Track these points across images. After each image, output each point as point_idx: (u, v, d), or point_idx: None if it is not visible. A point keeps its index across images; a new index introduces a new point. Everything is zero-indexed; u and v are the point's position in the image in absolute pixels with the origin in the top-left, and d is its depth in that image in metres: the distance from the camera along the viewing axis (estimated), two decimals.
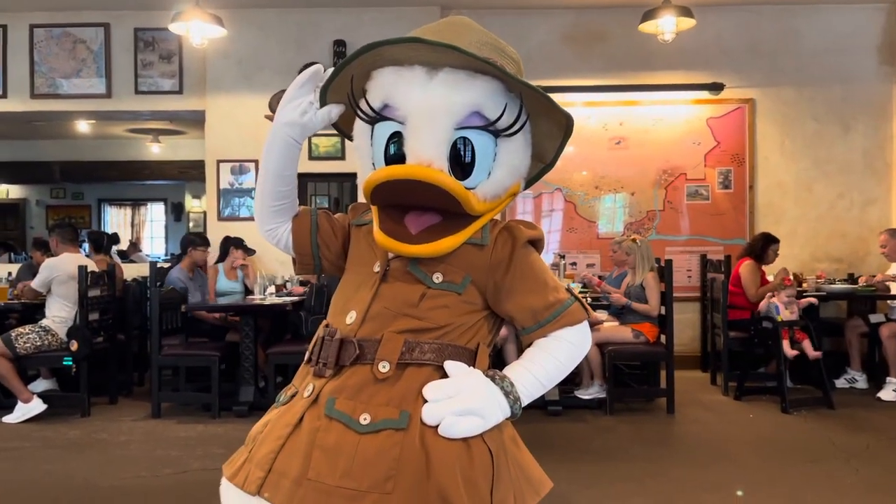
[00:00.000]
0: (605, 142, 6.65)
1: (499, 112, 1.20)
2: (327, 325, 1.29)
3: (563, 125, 1.28)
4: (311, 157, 6.52)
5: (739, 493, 3.46)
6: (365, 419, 1.17)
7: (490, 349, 1.32)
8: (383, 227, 1.21)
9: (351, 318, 1.24)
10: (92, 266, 5.23)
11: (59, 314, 5.02)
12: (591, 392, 5.07)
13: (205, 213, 13.93)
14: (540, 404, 4.95)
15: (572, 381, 5.33)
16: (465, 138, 1.20)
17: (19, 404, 4.88)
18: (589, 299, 5.14)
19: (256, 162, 6.47)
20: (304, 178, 6.60)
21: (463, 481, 1.17)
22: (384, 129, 1.23)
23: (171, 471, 3.83)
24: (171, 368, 5.47)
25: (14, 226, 12.51)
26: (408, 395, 1.18)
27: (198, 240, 5.93)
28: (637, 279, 5.10)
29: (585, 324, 1.31)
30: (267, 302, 5.26)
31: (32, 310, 5.27)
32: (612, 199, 6.69)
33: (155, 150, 11.49)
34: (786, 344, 4.97)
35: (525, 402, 1.26)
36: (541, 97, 1.23)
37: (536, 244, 1.31)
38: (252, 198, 6.60)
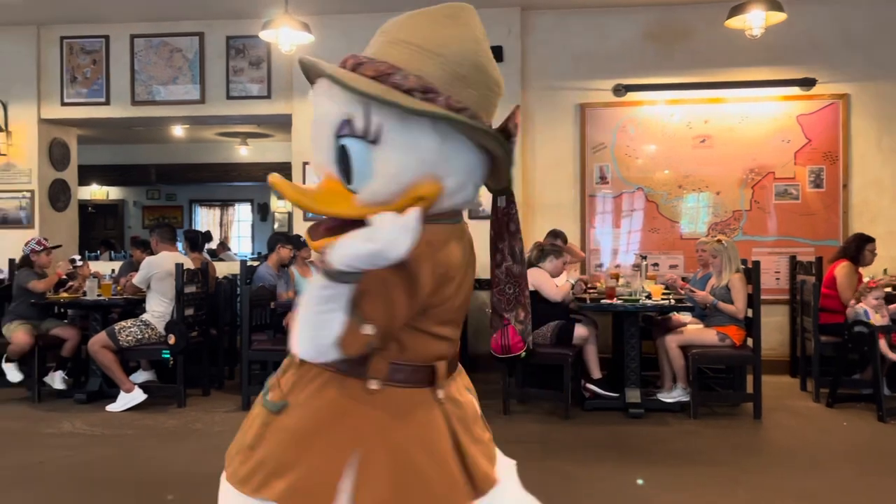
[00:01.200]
0: (689, 140, 6.51)
1: (363, 122, 1.23)
2: None
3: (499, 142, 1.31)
4: None
5: None
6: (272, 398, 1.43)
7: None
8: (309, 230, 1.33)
9: None
10: (188, 264, 5.50)
11: (158, 309, 5.31)
12: (674, 395, 4.99)
13: (290, 213, 14.34)
14: (620, 406, 4.91)
15: (654, 384, 5.26)
16: (343, 146, 1.24)
17: (122, 394, 5.18)
18: (673, 301, 5.06)
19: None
20: None
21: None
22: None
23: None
24: (260, 363, 5.69)
25: (113, 225, 13.23)
26: (305, 381, 1.39)
27: (283, 238, 6.14)
28: (723, 280, 4.98)
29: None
30: None
31: (133, 305, 5.58)
32: (696, 199, 6.54)
33: (243, 153, 11.94)
34: (882, 344, 4.76)
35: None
36: (405, 109, 1.20)
37: None
38: None
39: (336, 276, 1.17)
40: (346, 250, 1.14)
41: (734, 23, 5.25)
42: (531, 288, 5.10)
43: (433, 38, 1.27)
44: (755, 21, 5.18)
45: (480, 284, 6.67)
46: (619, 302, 4.98)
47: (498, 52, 6.49)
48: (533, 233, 6.28)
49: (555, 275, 5.21)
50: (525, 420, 4.87)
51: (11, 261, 6.22)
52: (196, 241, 6.63)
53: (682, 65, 6.48)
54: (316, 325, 1.21)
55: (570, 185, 6.62)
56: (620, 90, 6.51)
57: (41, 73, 7.08)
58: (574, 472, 3.81)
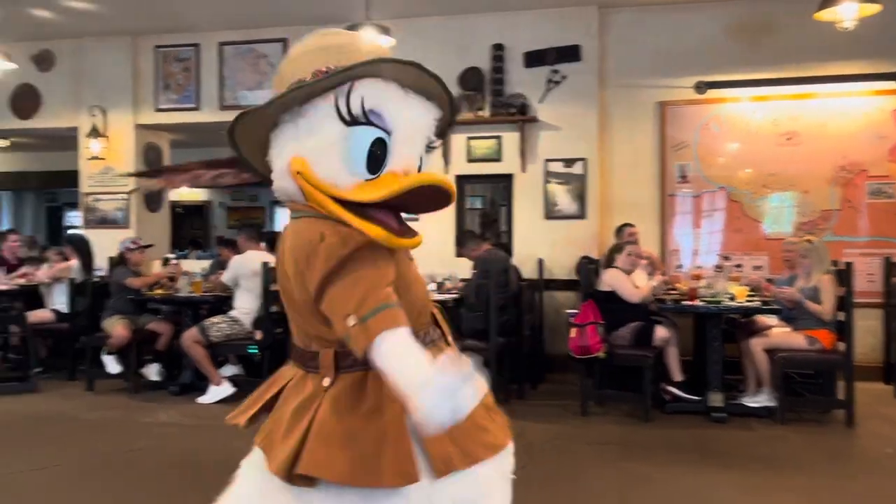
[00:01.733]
0: (774, 137, 6.31)
1: (435, 137, 1.42)
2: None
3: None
4: (469, 160, 6.70)
5: None
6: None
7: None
8: (389, 229, 1.30)
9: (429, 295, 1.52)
10: (273, 262, 5.70)
11: (246, 306, 5.53)
12: (759, 400, 4.85)
13: None
14: (702, 410, 4.81)
15: (736, 388, 5.13)
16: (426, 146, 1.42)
17: (211, 387, 5.42)
18: (759, 302, 4.92)
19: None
20: (461, 181, 6.79)
21: None
22: (366, 134, 1.32)
23: None
24: None
25: (200, 225, 13.79)
26: None
27: None
28: (811, 281, 4.82)
29: None
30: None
31: (221, 301, 5.82)
32: (781, 198, 6.33)
33: None
34: None
35: None
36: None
37: None
38: None
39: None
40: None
41: (824, 15, 5.06)
42: (607, 289, 5.09)
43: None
44: (847, 13, 4.97)
45: (556, 285, 6.68)
46: (701, 303, 4.88)
47: (575, 52, 6.46)
48: (611, 235, 6.22)
49: (629, 270, 5.15)
50: (604, 421, 4.84)
51: (111, 258, 6.58)
52: (274, 241, 6.86)
53: (768, 60, 6.28)
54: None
55: (649, 185, 6.52)
56: (702, 87, 6.37)
57: (137, 81, 7.46)
58: (654, 474, 3.77)
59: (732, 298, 4.92)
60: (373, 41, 1.48)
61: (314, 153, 1.33)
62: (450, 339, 1.53)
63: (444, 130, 1.48)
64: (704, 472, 3.80)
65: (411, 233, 1.34)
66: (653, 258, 6.04)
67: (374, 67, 1.33)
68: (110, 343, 5.75)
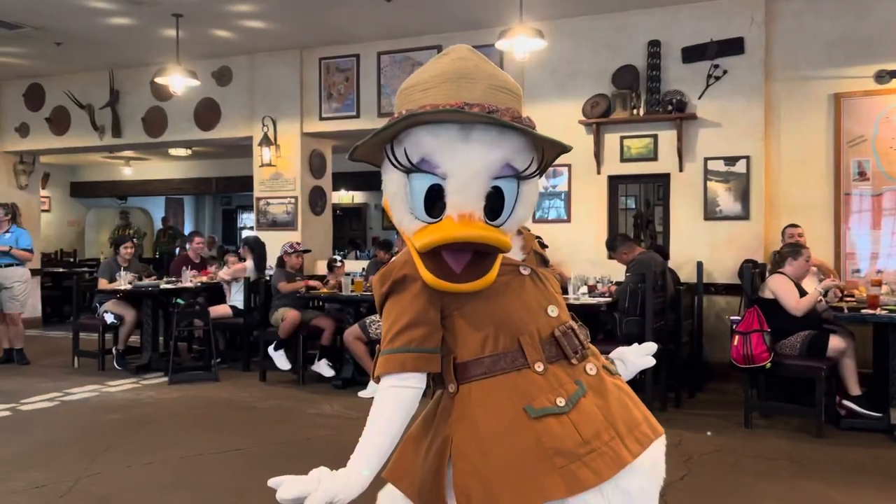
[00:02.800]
0: None
1: (527, 163, 1.40)
2: (529, 336, 1.45)
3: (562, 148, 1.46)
4: (622, 160, 6.57)
5: None
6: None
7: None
8: (429, 269, 1.37)
9: (553, 311, 1.50)
10: None
11: None
12: None
13: None
14: (884, 428, 4.44)
15: None
16: (496, 187, 1.38)
17: (371, 383, 5.68)
18: None
19: (570, 166, 6.70)
20: (615, 180, 6.68)
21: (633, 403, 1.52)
22: (422, 181, 1.37)
23: None
24: None
25: (357, 227, 14.47)
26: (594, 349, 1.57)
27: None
28: None
29: None
30: (580, 302, 5.44)
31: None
32: None
33: None
34: None
35: None
36: (554, 143, 1.43)
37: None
38: (562, 200, 6.91)
39: None
40: None
41: None
42: (770, 296, 4.80)
43: (504, 79, 1.45)
44: None
45: (717, 289, 6.40)
46: (883, 312, 4.50)
47: (738, 44, 6.15)
48: (777, 236, 5.87)
49: (799, 278, 4.84)
50: (770, 435, 4.58)
51: (279, 258, 7.08)
52: None
53: None
54: None
55: (821, 183, 6.08)
56: (884, 76, 5.85)
57: (303, 92, 7.96)
58: (832, 495, 3.53)
59: None
60: (464, 67, 1.42)
61: (389, 197, 1.44)
62: (589, 349, 1.52)
63: (546, 150, 1.45)
64: (892, 497, 3.51)
65: (471, 277, 1.38)
66: (823, 266, 5.63)
67: (421, 117, 1.35)
68: (281, 329, 6.13)
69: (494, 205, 1.38)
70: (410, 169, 1.37)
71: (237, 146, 9.03)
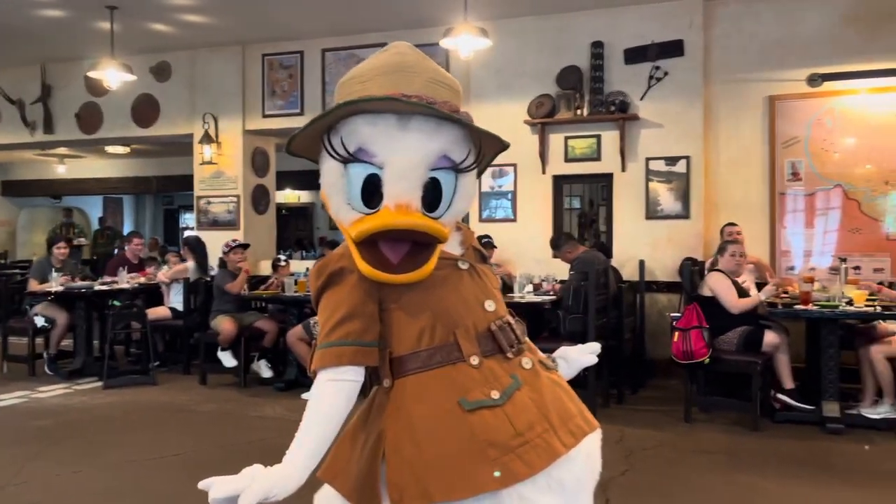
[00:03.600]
0: None
1: (464, 155, 1.39)
2: (465, 329, 1.43)
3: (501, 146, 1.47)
4: (566, 160, 6.63)
5: None
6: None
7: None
8: (366, 259, 1.35)
9: (490, 306, 1.48)
10: None
11: None
12: (880, 411, 4.57)
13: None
14: (816, 420, 4.58)
15: (853, 398, 4.84)
16: (433, 178, 1.36)
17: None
18: (879, 308, 4.63)
19: (515, 166, 6.73)
20: (560, 180, 6.73)
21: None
22: (359, 170, 1.35)
23: None
24: None
25: (304, 227, 14.29)
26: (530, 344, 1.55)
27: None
28: None
29: None
30: (525, 300, 5.47)
31: None
32: None
33: None
34: None
35: None
36: (493, 137, 1.42)
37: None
38: (509, 200, 6.94)
39: None
40: None
41: None
42: (708, 293, 4.91)
43: (444, 75, 1.45)
44: None
45: (658, 287, 6.51)
46: (815, 308, 4.64)
47: (678, 46, 6.27)
48: (716, 235, 6.00)
49: (732, 273, 4.95)
50: (709, 429, 4.68)
51: (220, 259, 6.92)
52: None
53: (888, 49, 5.88)
54: None
55: (758, 183, 6.25)
56: (816, 80, 6.05)
57: (246, 89, 7.81)
58: (767, 487, 3.61)
59: (850, 303, 4.65)
60: (401, 59, 1.42)
61: (326, 188, 1.42)
62: (525, 343, 1.52)
63: (484, 145, 1.43)
64: (823, 487, 3.62)
65: (408, 268, 1.36)
66: (759, 264, 5.78)
67: (358, 105, 1.33)
68: (220, 339, 6.04)
69: (432, 197, 1.37)
70: (347, 158, 1.35)
71: (178, 144, 8.79)
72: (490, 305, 1.48)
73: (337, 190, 1.39)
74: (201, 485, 1.25)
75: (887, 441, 4.34)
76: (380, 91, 1.35)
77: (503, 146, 1.46)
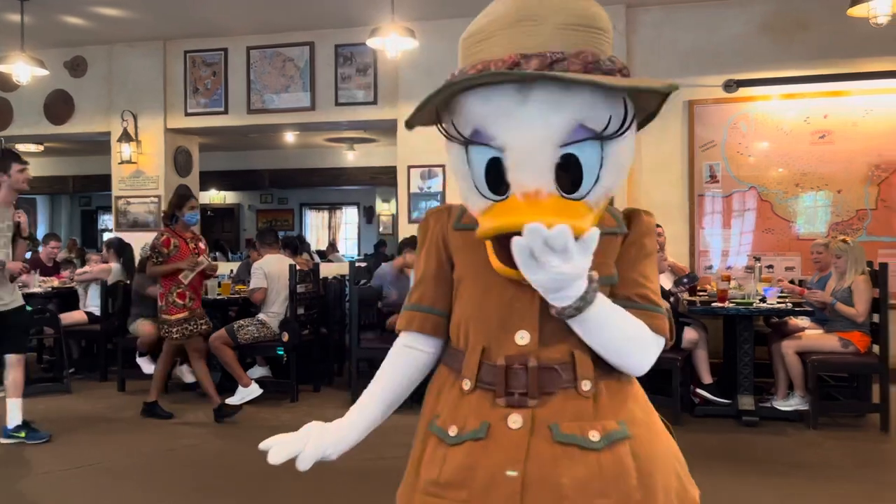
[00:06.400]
0: (807, 136, 6.20)
1: (605, 122, 1.09)
2: (484, 349, 1.22)
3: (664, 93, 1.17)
4: None
5: None
6: (594, 436, 1.17)
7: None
8: (498, 255, 1.15)
9: (523, 338, 1.20)
10: (298, 265, 5.74)
11: (272, 309, 5.57)
12: (791, 403, 4.77)
13: (393, 215, 14.61)
14: (732, 413, 4.75)
15: (767, 391, 5.05)
16: (570, 154, 1.09)
17: (239, 388, 5.46)
18: (789, 304, 4.85)
19: (443, 167, 6.75)
20: None
21: (675, 476, 1.27)
22: (481, 154, 1.13)
23: (371, 456, 4.11)
24: (368, 360, 5.86)
25: (230, 228, 13.96)
26: (615, 405, 1.23)
27: (413, 243, 6.29)
28: (846, 283, 4.72)
29: (662, 340, 1.26)
30: None
31: (250, 303, 5.87)
32: (814, 198, 6.21)
33: (350, 158, 12.30)
34: None
35: (589, 309, 1.12)
36: (645, 90, 1.15)
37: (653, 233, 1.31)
38: (438, 201, 6.95)
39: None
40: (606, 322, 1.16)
41: (857, 11, 4.97)
42: None
43: (581, 12, 1.14)
44: (881, 8, 4.88)
45: None
46: (731, 305, 4.82)
47: None
48: None
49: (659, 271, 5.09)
50: None
51: (141, 261, 6.67)
52: (296, 246, 6.90)
53: (800, 57, 6.18)
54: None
55: (677, 185, 6.45)
56: (732, 86, 6.29)
57: (167, 86, 7.57)
58: None
59: (763, 300, 4.85)
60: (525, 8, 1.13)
61: (451, 171, 1.21)
62: (544, 401, 1.22)
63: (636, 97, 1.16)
64: (739, 477, 3.75)
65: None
66: (676, 266, 5.96)
67: (461, 83, 1.10)
68: (140, 343, 5.84)
69: (573, 175, 1.10)
70: (465, 141, 1.14)
71: (96, 142, 8.45)
72: (522, 338, 1.20)
73: (462, 175, 1.17)
74: (262, 446, 1.23)
75: (798, 432, 4.54)
76: (498, 52, 1.11)
77: (666, 92, 1.16)
